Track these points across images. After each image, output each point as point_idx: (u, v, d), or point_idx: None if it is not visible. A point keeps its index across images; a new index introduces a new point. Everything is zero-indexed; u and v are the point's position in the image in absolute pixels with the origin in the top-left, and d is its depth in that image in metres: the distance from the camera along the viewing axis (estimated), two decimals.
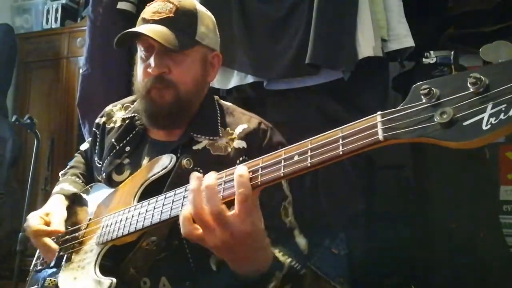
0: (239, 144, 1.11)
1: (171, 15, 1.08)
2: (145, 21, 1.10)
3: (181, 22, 1.09)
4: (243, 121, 1.15)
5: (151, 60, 1.09)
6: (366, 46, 1.73)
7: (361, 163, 1.95)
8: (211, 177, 0.77)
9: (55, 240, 1.13)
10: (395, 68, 2.08)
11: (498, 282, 1.77)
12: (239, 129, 1.13)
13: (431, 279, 1.84)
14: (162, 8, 1.09)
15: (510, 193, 2.15)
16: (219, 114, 1.18)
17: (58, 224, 1.14)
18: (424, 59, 1.95)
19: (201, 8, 1.16)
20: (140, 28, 1.08)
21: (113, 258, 1.03)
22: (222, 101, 1.25)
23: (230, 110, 1.21)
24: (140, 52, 1.14)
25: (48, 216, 1.16)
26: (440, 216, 1.86)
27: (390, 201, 2.17)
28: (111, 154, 1.20)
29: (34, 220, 1.14)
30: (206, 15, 1.16)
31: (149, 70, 1.09)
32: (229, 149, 1.10)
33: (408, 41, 1.80)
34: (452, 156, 1.85)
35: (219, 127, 1.15)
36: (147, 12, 1.11)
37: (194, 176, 0.78)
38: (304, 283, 1.00)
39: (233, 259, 0.81)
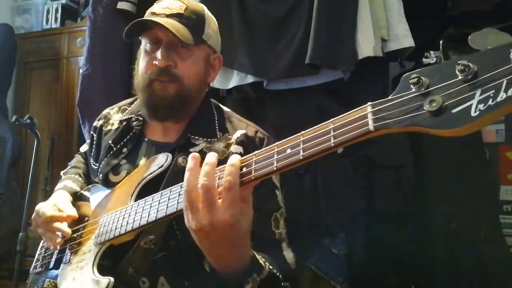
0: (236, 149, 1.12)
1: (182, 11, 1.11)
2: (155, 15, 1.12)
3: (191, 19, 1.12)
4: (241, 127, 1.17)
5: (158, 53, 1.10)
6: (366, 46, 1.73)
7: (361, 163, 1.95)
8: (212, 156, 0.78)
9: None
10: (395, 68, 2.08)
11: (498, 282, 1.77)
12: (237, 135, 1.15)
13: (431, 279, 1.84)
14: (173, 5, 1.12)
15: (510, 193, 2.14)
16: (216, 118, 1.19)
17: (71, 210, 1.15)
18: (424, 59, 1.94)
19: (208, 12, 1.19)
20: (154, 19, 1.10)
21: (112, 258, 1.03)
22: (221, 106, 1.26)
23: (228, 115, 1.22)
24: (145, 45, 1.15)
25: (56, 206, 1.16)
26: (440, 216, 1.86)
27: (390, 201, 2.17)
28: (108, 155, 1.21)
29: (47, 208, 1.14)
30: (211, 19, 1.20)
31: (155, 62, 1.10)
32: (227, 154, 1.10)
33: (408, 41, 1.80)
34: (452, 156, 1.84)
35: (217, 130, 1.16)
36: (157, 7, 1.13)
37: (192, 155, 0.79)
38: None
39: (209, 250, 0.80)
